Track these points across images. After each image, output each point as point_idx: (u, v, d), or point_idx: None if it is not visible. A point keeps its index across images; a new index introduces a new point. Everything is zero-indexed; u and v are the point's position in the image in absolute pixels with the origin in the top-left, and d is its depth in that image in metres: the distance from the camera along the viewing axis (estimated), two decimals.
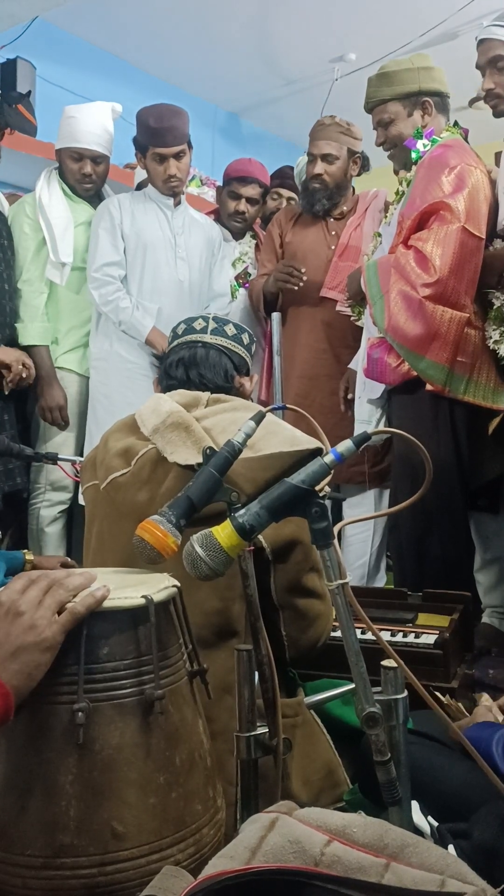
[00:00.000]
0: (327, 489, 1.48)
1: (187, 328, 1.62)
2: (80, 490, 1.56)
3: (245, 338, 1.63)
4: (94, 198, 3.16)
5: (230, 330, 1.61)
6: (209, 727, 1.14)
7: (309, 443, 1.31)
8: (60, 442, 3.04)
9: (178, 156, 2.97)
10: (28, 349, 2.95)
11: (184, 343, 1.59)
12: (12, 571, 2.12)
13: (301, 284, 2.98)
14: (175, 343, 1.62)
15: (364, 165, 3.18)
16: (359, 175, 3.20)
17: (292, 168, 3.79)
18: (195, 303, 3.13)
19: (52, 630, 0.92)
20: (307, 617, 1.38)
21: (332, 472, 1.04)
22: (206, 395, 1.48)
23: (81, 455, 2.91)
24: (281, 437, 1.35)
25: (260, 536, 1.30)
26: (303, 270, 2.96)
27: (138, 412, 1.48)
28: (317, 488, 1.02)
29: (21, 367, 2.75)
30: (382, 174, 3.21)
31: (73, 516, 3.17)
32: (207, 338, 1.58)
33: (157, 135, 2.92)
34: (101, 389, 3.04)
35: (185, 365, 1.55)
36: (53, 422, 3.00)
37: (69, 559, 2.27)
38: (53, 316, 3.04)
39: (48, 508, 3.05)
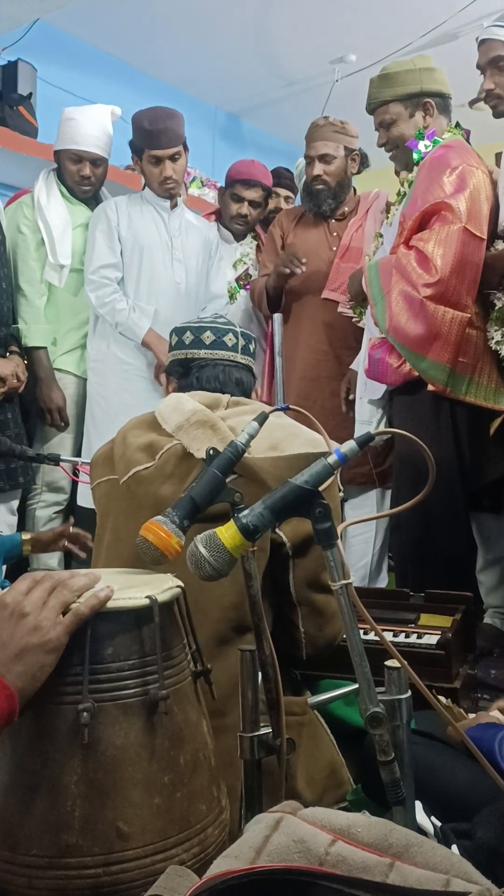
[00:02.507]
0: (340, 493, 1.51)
1: (217, 341, 1.58)
2: (91, 485, 1.55)
3: (253, 346, 1.65)
4: (92, 200, 3.17)
5: (251, 346, 1.62)
6: (221, 721, 1.14)
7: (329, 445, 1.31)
8: (57, 443, 3.05)
9: (173, 157, 2.98)
10: (28, 351, 2.96)
11: (218, 360, 1.57)
12: (12, 556, 2.12)
13: (300, 271, 2.96)
14: (204, 355, 1.57)
15: (363, 162, 3.19)
16: (358, 172, 3.21)
17: (286, 169, 3.84)
18: (192, 304, 3.13)
19: (56, 631, 0.92)
20: (325, 614, 1.38)
21: (335, 472, 1.04)
22: (226, 398, 1.49)
23: (79, 456, 2.92)
24: (302, 438, 1.37)
25: (280, 532, 1.32)
26: (304, 261, 2.96)
27: (158, 410, 1.48)
28: (320, 489, 1.02)
29: (15, 381, 2.76)
30: (384, 175, 3.22)
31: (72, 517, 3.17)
32: (240, 358, 1.58)
33: (152, 137, 2.94)
34: (98, 391, 3.05)
35: (221, 383, 1.55)
36: (53, 423, 3.01)
37: (70, 527, 2.20)
38: (52, 318, 3.05)
39: (44, 509, 3.05)
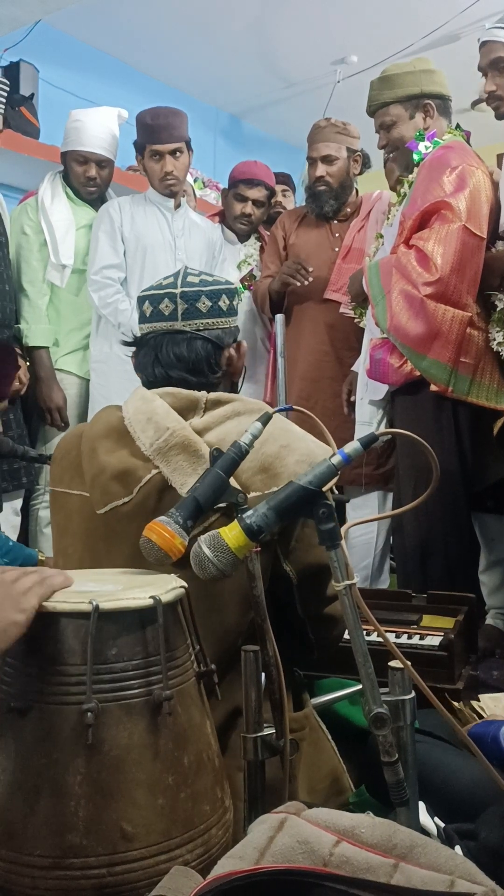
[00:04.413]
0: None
1: (154, 311, 1.38)
2: (53, 486, 1.39)
3: (223, 303, 1.40)
4: (97, 201, 3.19)
5: (204, 305, 1.37)
6: (221, 743, 1.12)
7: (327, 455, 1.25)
8: None
9: (174, 153, 2.99)
10: (30, 350, 2.97)
11: (154, 334, 1.38)
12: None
13: (307, 282, 2.99)
14: (146, 330, 1.40)
15: (365, 162, 3.21)
16: (361, 173, 3.22)
17: (278, 172, 3.88)
18: None
19: (27, 596, 0.93)
20: (334, 618, 1.34)
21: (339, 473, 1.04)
22: (203, 397, 1.31)
23: None
24: (297, 454, 1.25)
25: (286, 566, 1.26)
26: (310, 269, 2.98)
27: (128, 418, 1.30)
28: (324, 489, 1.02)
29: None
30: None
31: None
32: (179, 325, 1.36)
33: (154, 132, 2.97)
34: (100, 391, 3.06)
35: (163, 365, 1.36)
36: (53, 423, 3.02)
37: None
38: (54, 318, 3.07)
39: (47, 510, 3.05)
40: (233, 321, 1.43)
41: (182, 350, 1.36)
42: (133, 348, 1.45)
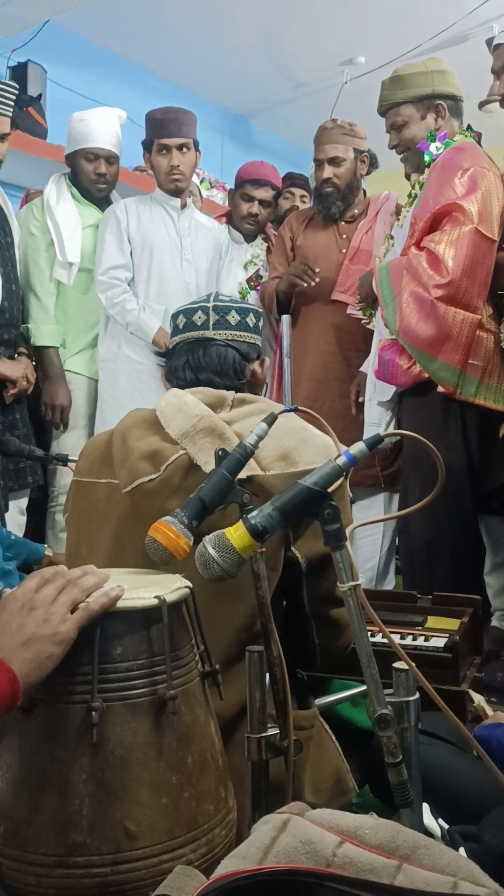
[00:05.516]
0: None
1: (188, 322, 1.52)
2: (78, 477, 1.46)
3: (250, 320, 1.53)
4: (103, 201, 3.20)
5: (233, 318, 1.51)
6: (230, 738, 1.13)
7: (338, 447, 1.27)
8: (73, 443, 3.05)
9: (181, 148, 3.00)
10: (38, 350, 2.98)
11: (186, 341, 1.51)
12: (32, 562, 2.15)
13: (314, 283, 2.99)
14: (177, 340, 1.53)
15: (372, 163, 3.20)
16: (368, 173, 3.22)
17: (298, 173, 3.86)
18: None
19: (65, 625, 0.92)
20: (339, 625, 1.35)
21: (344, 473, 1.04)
22: (231, 395, 1.42)
23: None
24: (314, 447, 1.31)
25: (295, 550, 1.29)
26: (317, 270, 2.98)
27: (160, 409, 1.39)
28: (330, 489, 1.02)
29: (25, 382, 2.77)
30: (394, 177, 3.23)
31: None
32: (210, 333, 1.49)
33: (161, 125, 3.00)
34: (108, 391, 3.06)
35: (193, 369, 1.48)
36: (52, 420, 3.01)
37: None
38: (61, 320, 3.07)
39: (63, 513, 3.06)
40: (258, 339, 1.55)
41: (212, 356, 1.48)
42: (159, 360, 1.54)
